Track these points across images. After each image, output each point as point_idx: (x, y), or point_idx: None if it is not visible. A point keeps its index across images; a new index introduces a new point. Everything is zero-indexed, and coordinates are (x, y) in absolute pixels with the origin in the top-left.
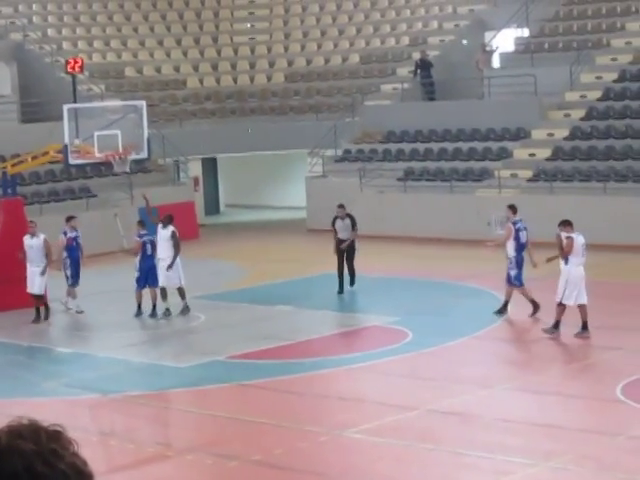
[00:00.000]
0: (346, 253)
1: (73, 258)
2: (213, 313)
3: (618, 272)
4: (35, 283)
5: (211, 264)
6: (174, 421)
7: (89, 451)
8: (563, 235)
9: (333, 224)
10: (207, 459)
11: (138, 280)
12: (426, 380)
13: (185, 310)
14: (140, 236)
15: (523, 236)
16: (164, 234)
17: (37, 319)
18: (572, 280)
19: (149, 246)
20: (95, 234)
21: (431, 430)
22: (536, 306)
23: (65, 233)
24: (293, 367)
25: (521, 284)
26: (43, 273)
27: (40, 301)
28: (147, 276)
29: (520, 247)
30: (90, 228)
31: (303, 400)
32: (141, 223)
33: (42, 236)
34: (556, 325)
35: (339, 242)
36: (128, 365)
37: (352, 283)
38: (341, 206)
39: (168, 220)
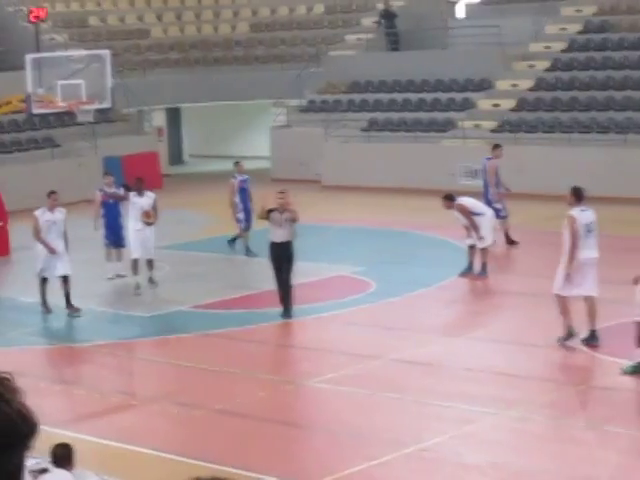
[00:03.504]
0: (282, 262)
1: (108, 217)
2: (177, 263)
3: None
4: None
5: (175, 214)
6: (139, 370)
7: (53, 400)
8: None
9: (267, 213)
10: (171, 408)
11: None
12: (390, 330)
13: (152, 281)
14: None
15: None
16: (144, 202)
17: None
18: (487, 224)
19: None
20: (59, 184)
21: (395, 379)
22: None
23: (101, 190)
24: (257, 317)
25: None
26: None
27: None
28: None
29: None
30: (54, 178)
31: (268, 350)
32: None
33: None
34: (470, 266)
35: (274, 247)
36: (93, 315)
37: (287, 312)
38: (282, 192)
39: (141, 186)
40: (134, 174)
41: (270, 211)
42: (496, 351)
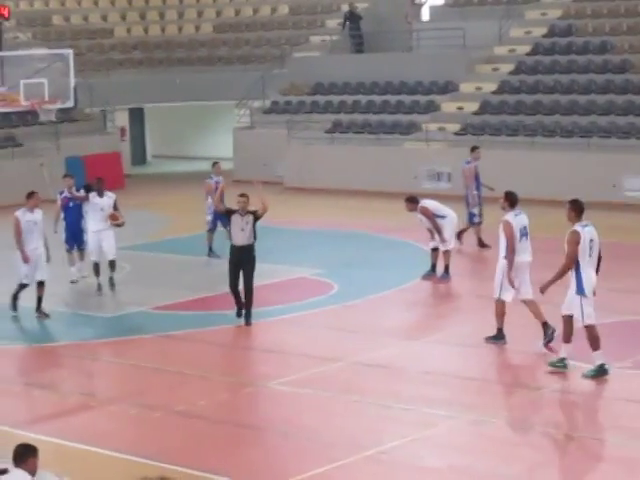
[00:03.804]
0: (243, 266)
1: (68, 220)
2: (138, 263)
3: (544, 227)
4: (44, 269)
5: (137, 214)
6: (98, 371)
7: (13, 400)
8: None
9: (229, 211)
10: (131, 409)
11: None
12: (351, 332)
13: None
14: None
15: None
16: (105, 202)
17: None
18: (450, 227)
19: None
20: (21, 183)
21: (355, 382)
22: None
23: (61, 192)
24: (218, 318)
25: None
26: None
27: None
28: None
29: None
30: (16, 177)
31: (228, 351)
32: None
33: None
34: (433, 268)
35: (234, 250)
36: (53, 315)
37: (248, 318)
38: (243, 195)
39: (101, 186)
40: (96, 174)
41: (231, 213)
42: (457, 354)
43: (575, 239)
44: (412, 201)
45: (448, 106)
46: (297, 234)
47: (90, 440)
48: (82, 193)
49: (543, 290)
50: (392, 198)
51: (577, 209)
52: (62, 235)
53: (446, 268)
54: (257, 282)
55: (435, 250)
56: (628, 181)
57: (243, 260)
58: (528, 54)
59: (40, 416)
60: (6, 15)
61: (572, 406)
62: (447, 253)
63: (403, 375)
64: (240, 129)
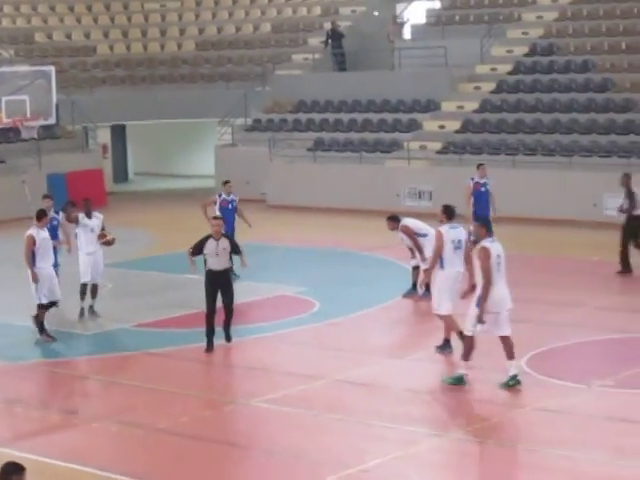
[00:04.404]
0: (220, 290)
1: None
2: (121, 281)
3: (526, 245)
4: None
5: (119, 232)
6: (80, 389)
7: None
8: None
9: (199, 248)
10: (113, 427)
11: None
12: (333, 350)
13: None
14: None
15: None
16: (94, 223)
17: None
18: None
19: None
20: (2, 200)
21: (338, 400)
22: None
23: None
24: (200, 336)
25: None
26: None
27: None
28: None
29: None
30: None
31: (210, 369)
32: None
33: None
34: (414, 286)
35: (211, 275)
36: (35, 332)
37: (228, 337)
38: (217, 218)
39: (89, 207)
40: (78, 191)
41: (205, 240)
42: (439, 372)
43: (486, 255)
44: (394, 220)
45: (430, 124)
46: (279, 252)
47: (72, 458)
48: (60, 217)
49: (480, 319)
50: (374, 216)
51: (486, 227)
52: None
53: (427, 286)
54: (239, 299)
55: (416, 268)
56: (609, 200)
57: (221, 285)
58: (510, 73)
59: (22, 433)
60: None
61: (556, 424)
62: (428, 271)
63: (386, 393)
64: (222, 147)
